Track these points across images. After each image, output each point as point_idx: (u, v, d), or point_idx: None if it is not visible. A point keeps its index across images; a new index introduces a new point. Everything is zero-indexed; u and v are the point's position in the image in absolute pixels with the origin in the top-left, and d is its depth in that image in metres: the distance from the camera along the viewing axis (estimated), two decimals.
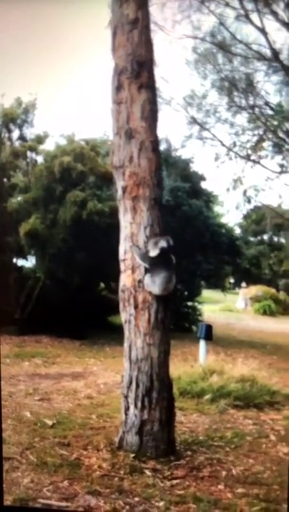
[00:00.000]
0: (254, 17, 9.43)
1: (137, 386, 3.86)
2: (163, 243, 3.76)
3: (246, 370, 5.94)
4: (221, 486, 3.51)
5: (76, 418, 4.94)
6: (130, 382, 3.90)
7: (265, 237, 16.76)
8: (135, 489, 3.44)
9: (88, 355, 8.82)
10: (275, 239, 16.76)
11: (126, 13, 3.78)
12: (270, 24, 9.41)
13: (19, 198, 10.14)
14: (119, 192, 3.95)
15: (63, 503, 3.26)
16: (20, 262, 11.27)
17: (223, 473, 3.73)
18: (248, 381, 5.65)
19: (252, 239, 15.22)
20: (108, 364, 8.09)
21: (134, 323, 3.86)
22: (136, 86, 3.79)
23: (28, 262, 11.32)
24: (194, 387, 5.62)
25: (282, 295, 18.56)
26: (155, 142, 3.90)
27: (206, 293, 14.38)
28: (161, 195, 3.85)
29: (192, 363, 7.13)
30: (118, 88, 3.86)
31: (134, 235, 3.89)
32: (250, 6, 9.28)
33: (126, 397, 3.95)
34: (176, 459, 3.88)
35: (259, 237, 16.51)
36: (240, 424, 4.88)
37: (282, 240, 15.96)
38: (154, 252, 3.77)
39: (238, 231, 12.81)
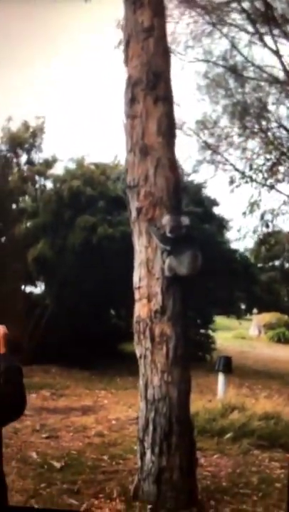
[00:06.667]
0: (268, 40, 9.29)
1: (154, 429, 3.43)
2: (186, 220, 3.40)
3: (269, 405, 5.49)
4: None
5: (86, 460, 4.53)
6: (146, 425, 3.47)
7: (277, 263, 16.42)
8: None
9: (98, 387, 8.41)
10: (287, 265, 16.42)
11: (140, 20, 3.48)
12: (283, 48, 9.26)
13: (28, 224, 9.89)
14: (133, 214, 3.61)
15: None
16: (28, 289, 11.00)
17: None
18: (272, 418, 5.19)
19: (262, 265, 14.90)
20: (120, 396, 7.68)
21: (151, 358, 3.45)
22: (152, 98, 3.48)
23: (37, 289, 11.04)
24: (214, 425, 5.17)
25: None
26: (173, 160, 3.57)
27: (218, 319, 13.97)
28: None
29: (209, 397, 6.70)
30: (132, 101, 3.54)
31: (149, 260, 3.54)
32: (263, 29, 9.15)
33: (142, 441, 3.52)
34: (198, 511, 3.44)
35: (271, 264, 16.18)
36: (267, 468, 4.43)
37: None
38: (176, 232, 3.39)
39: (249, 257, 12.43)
